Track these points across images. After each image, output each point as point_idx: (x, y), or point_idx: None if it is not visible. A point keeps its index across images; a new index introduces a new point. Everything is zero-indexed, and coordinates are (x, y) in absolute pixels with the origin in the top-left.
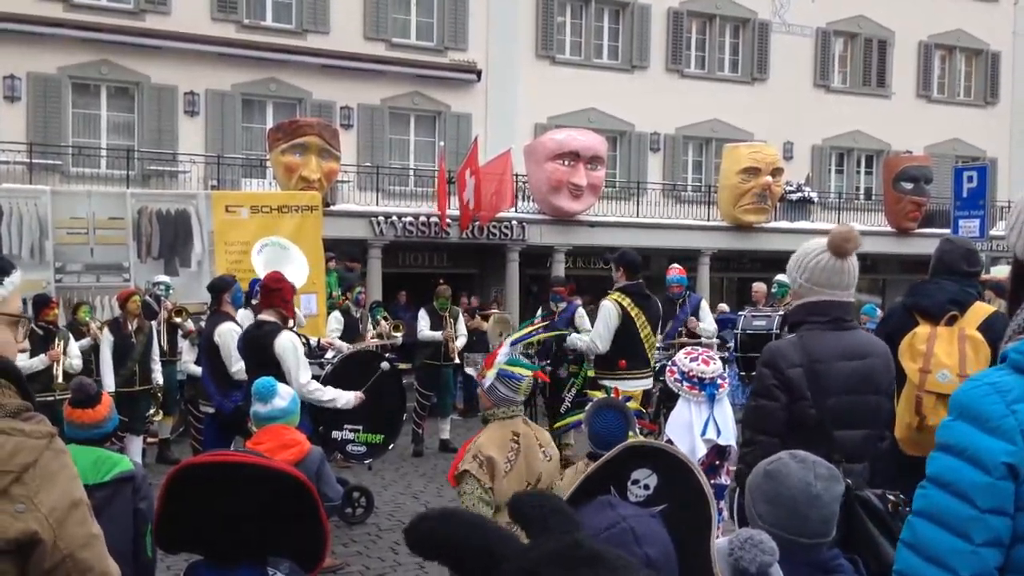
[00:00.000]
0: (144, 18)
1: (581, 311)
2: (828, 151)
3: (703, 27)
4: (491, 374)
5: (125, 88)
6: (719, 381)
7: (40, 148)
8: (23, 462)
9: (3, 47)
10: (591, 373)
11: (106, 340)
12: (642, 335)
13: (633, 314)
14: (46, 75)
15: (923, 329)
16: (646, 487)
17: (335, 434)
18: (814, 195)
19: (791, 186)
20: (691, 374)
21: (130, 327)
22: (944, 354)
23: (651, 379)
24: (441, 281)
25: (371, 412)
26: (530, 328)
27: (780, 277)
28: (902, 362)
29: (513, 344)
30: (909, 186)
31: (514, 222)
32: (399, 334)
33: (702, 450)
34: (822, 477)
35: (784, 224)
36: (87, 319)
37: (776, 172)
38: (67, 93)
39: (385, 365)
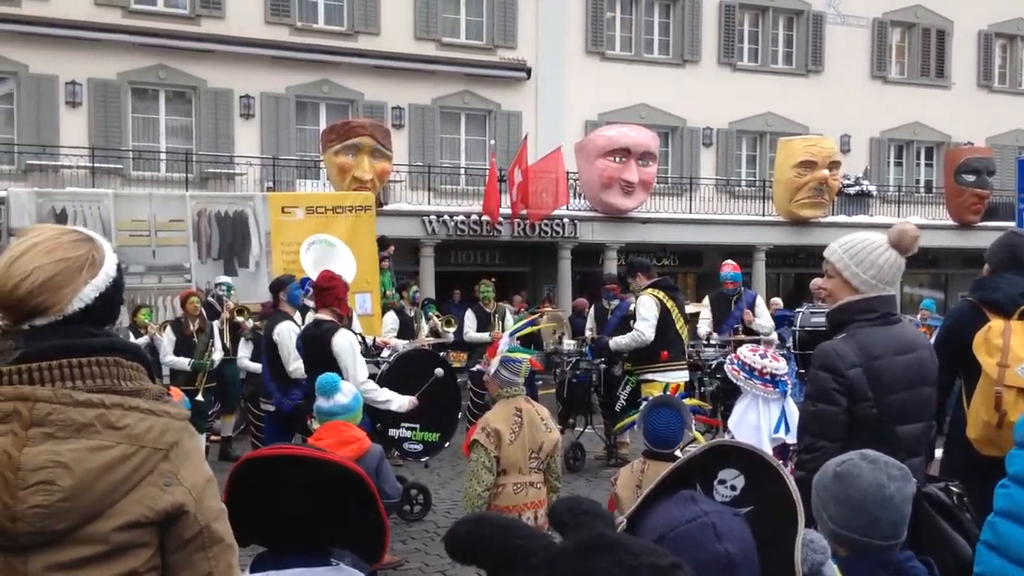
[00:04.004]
0: (200, 23)
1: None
2: (887, 143)
3: (756, 19)
4: (495, 362)
5: (182, 92)
6: (786, 379)
7: (102, 152)
8: (170, 441)
9: (65, 54)
10: (628, 367)
11: (168, 339)
12: (677, 326)
13: (669, 306)
14: (106, 81)
15: (997, 323)
16: (732, 488)
17: (392, 432)
18: (873, 188)
19: (849, 179)
20: (763, 371)
21: (191, 327)
22: (1021, 348)
23: (687, 371)
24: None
25: (427, 410)
26: (527, 319)
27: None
28: (977, 357)
29: (511, 336)
30: (971, 178)
31: (566, 219)
32: (451, 329)
33: (768, 450)
34: (894, 478)
35: (842, 218)
36: (146, 321)
37: (833, 165)
38: (127, 98)
39: (439, 372)
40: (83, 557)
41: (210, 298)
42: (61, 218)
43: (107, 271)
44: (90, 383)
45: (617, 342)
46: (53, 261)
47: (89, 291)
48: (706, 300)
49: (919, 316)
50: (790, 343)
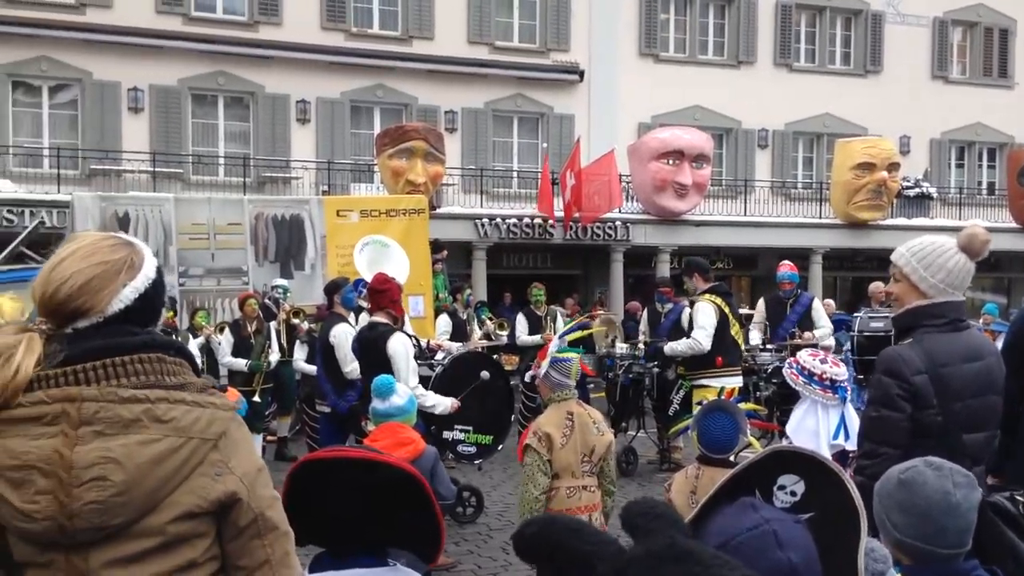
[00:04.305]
0: (258, 29)
1: (687, 312)
2: (947, 144)
3: (813, 19)
4: (545, 364)
5: (240, 98)
6: (846, 384)
7: (162, 157)
8: (218, 431)
9: (127, 60)
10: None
11: (226, 341)
12: (732, 332)
13: (727, 312)
14: (167, 87)
15: None
16: (792, 493)
17: (446, 434)
18: (933, 191)
19: (908, 181)
20: (823, 376)
21: (248, 328)
22: None
23: (741, 376)
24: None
25: (480, 413)
26: (577, 322)
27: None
28: None
29: (560, 337)
30: None
31: (618, 222)
32: (504, 332)
33: (827, 455)
34: (961, 485)
35: (902, 221)
36: (203, 323)
37: (892, 167)
38: (187, 104)
39: (485, 374)
40: (141, 551)
41: (267, 300)
42: (124, 222)
43: (146, 273)
44: (134, 380)
45: (673, 348)
46: (91, 265)
47: (128, 292)
48: (760, 304)
49: (981, 321)
50: (848, 348)
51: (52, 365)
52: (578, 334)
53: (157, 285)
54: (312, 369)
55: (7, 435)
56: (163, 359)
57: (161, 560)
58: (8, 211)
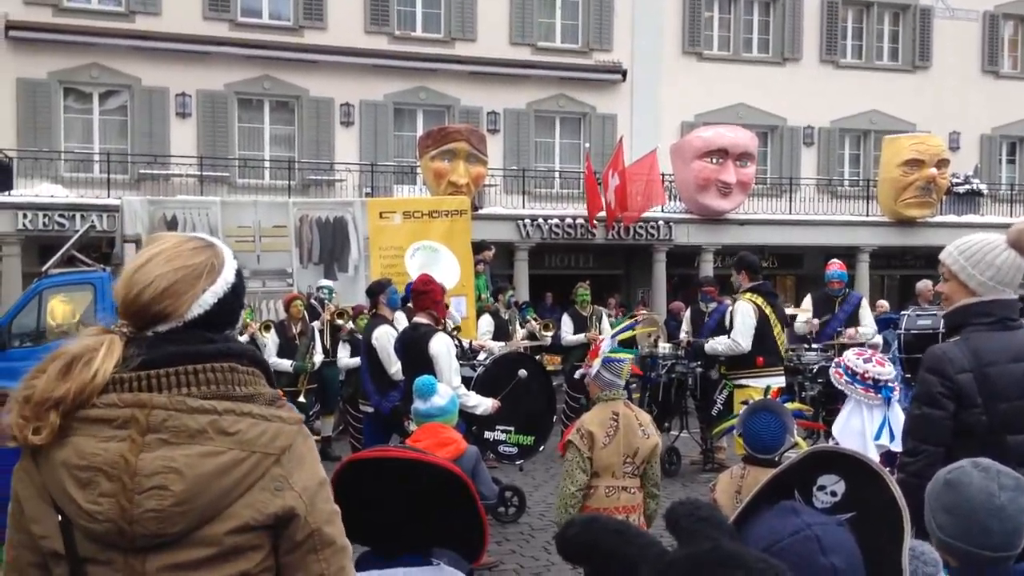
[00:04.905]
0: (303, 34)
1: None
2: (999, 140)
3: (859, 15)
4: (597, 363)
5: (285, 102)
6: (892, 384)
7: (209, 161)
8: (282, 445)
9: (175, 66)
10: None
11: (271, 341)
12: (774, 332)
13: (767, 312)
14: (213, 92)
15: None
16: (833, 493)
17: (488, 434)
18: (983, 187)
19: (958, 178)
20: (866, 376)
21: (293, 330)
22: None
23: (784, 376)
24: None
25: (522, 413)
26: (627, 322)
27: None
28: None
29: (612, 337)
30: None
31: (661, 222)
32: (549, 333)
33: (874, 457)
34: (1007, 488)
35: (951, 218)
36: (248, 320)
37: (941, 164)
38: (233, 108)
39: (523, 373)
40: (197, 559)
41: (312, 301)
42: (172, 225)
43: (226, 277)
44: (204, 389)
45: (713, 347)
46: (174, 269)
47: (208, 297)
48: (808, 300)
49: None
50: (895, 347)
51: (128, 368)
52: (628, 334)
53: (237, 288)
54: (357, 362)
55: (78, 433)
56: (236, 368)
57: (216, 570)
58: (60, 215)
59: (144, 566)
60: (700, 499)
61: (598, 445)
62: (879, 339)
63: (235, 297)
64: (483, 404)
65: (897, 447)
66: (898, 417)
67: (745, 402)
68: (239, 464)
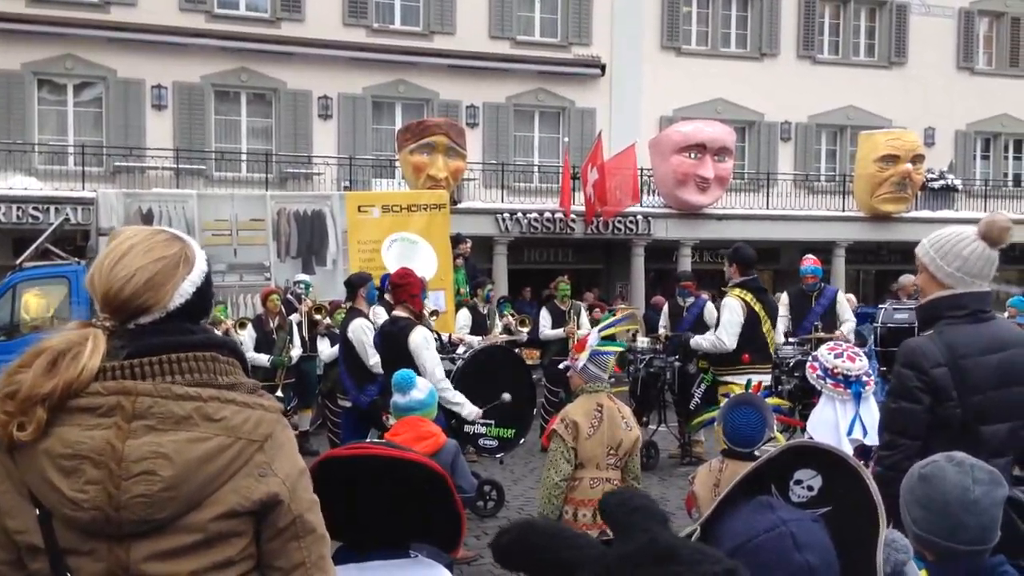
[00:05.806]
0: (280, 25)
1: (710, 306)
2: (973, 136)
3: (836, 11)
4: (583, 356)
5: (263, 94)
6: (865, 378)
7: (186, 154)
8: (265, 432)
9: (151, 58)
10: (702, 364)
11: (249, 336)
12: (763, 329)
13: (756, 308)
14: (190, 84)
15: None
16: (809, 488)
17: (468, 428)
18: (958, 183)
19: (933, 173)
20: (836, 371)
21: (271, 324)
22: None
23: (771, 373)
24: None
25: (502, 407)
26: (615, 318)
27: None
28: None
29: (600, 331)
30: None
31: (639, 216)
32: (525, 329)
33: (848, 451)
34: (981, 481)
35: (926, 213)
36: (222, 317)
37: (916, 159)
38: (210, 101)
39: (506, 397)
40: (182, 545)
41: (289, 296)
42: (148, 218)
43: (200, 266)
44: (188, 377)
45: (698, 343)
46: (153, 260)
47: (187, 287)
48: (784, 297)
49: (1006, 314)
50: (871, 341)
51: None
52: (614, 329)
53: (209, 278)
54: (336, 353)
55: (63, 423)
56: (217, 358)
57: (200, 556)
58: (34, 208)
59: (128, 555)
60: (632, 489)
61: (583, 435)
62: (849, 326)
63: (208, 286)
64: (467, 407)
65: (870, 441)
66: (872, 411)
67: (727, 395)
68: (225, 450)
